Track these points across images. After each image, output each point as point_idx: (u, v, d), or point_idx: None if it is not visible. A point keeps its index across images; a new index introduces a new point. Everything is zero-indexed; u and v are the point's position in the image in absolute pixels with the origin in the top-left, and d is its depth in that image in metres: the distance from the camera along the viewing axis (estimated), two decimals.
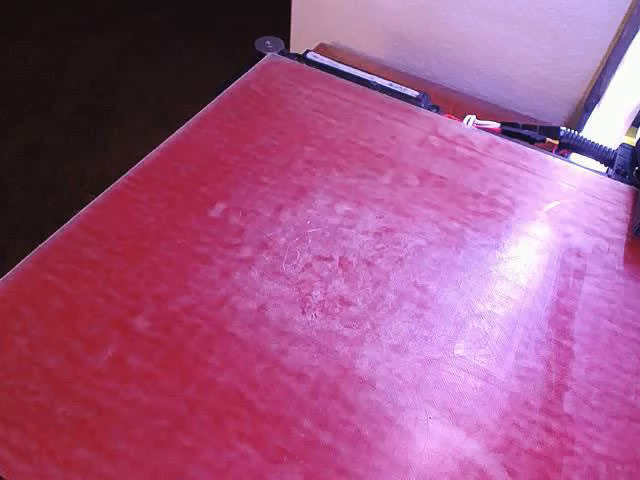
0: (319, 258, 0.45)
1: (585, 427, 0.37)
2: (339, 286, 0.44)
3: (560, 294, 0.45)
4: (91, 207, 0.47)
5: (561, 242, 0.49)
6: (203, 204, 0.49)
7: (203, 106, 0.58)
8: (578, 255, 0.48)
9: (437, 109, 0.62)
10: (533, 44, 0.97)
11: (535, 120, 1.02)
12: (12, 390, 0.36)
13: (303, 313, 0.42)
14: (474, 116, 0.63)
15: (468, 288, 0.44)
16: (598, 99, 0.90)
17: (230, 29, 1.80)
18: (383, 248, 0.47)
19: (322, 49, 1.11)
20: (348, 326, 0.41)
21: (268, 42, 0.67)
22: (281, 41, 0.67)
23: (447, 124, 0.60)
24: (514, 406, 0.38)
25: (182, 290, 0.42)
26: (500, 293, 0.45)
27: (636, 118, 0.86)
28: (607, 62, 0.91)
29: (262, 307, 0.42)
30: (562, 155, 0.61)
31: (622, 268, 0.48)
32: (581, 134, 0.62)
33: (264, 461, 0.34)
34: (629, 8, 0.86)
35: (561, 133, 0.61)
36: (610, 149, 0.60)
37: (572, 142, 0.61)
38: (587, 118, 0.92)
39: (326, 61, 0.66)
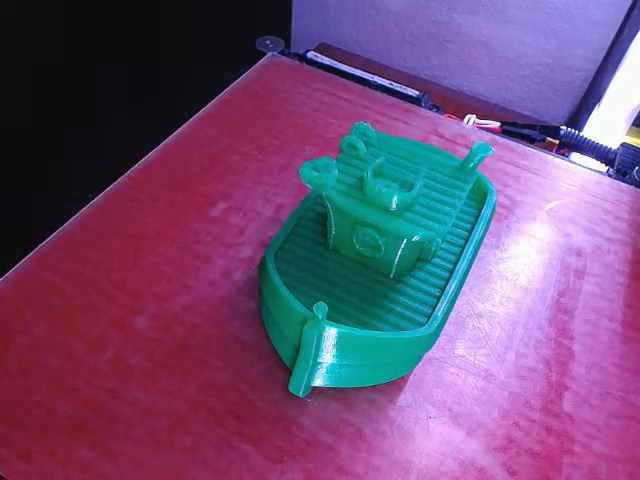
0: None
1: (585, 426, 0.38)
2: None
3: (560, 293, 0.45)
4: (91, 207, 0.47)
5: (561, 242, 0.49)
6: (204, 203, 0.49)
7: (203, 106, 0.58)
8: (578, 255, 0.48)
9: (437, 109, 0.62)
10: (533, 44, 0.97)
11: (535, 120, 1.02)
12: (12, 389, 0.36)
13: None
14: (474, 116, 0.63)
15: (468, 287, 0.44)
16: (598, 99, 0.90)
17: (230, 29, 1.79)
18: None
19: (322, 49, 1.11)
20: None
21: (268, 42, 0.67)
22: (281, 41, 0.67)
23: (447, 124, 0.60)
24: (514, 405, 0.38)
25: (183, 289, 0.42)
26: (500, 292, 0.45)
27: (636, 118, 0.87)
28: (607, 62, 0.91)
29: None
30: (562, 154, 0.61)
31: (622, 268, 0.48)
32: (581, 133, 0.62)
33: (264, 460, 0.34)
34: (629, 8, 0.86)
35: (561, 132, 0.61)
36: (611, 149, 0.60)
37: (572, 141, 0.61)
38: (587, 118, 0.93)
39: (326, 61, 0.66)
